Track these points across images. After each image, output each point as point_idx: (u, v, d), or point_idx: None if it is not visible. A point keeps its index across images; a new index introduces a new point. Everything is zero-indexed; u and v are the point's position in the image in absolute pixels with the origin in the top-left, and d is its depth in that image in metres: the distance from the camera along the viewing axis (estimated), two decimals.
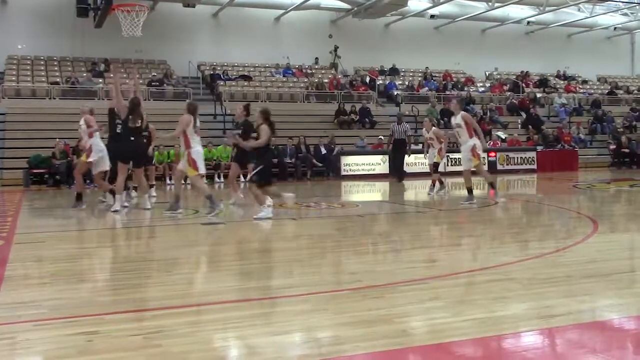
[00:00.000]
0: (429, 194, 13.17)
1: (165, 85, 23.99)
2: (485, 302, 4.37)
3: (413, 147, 21.01)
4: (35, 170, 17.84)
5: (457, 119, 11.01)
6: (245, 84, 25.67)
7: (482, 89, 29.50)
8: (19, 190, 16.44)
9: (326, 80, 26.69)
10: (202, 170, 9.92)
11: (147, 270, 5.75)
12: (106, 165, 10.84)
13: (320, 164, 20.43)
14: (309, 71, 27.95)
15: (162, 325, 3.78)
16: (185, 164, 9.75)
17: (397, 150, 17.73)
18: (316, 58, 28.87)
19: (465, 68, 30.61)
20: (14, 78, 23.25)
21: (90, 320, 3.92)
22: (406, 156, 18.15)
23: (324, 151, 20.57)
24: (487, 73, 31.48)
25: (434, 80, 28.49)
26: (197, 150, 9.80)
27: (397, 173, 18.06)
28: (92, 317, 3.98)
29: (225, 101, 23.38)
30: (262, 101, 24.69)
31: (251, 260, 6.41)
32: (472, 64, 30.50)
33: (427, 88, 27.68)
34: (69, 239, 8.29)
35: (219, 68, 26.22)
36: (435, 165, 13.45)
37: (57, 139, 18.28)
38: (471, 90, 28.72)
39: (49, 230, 8.75)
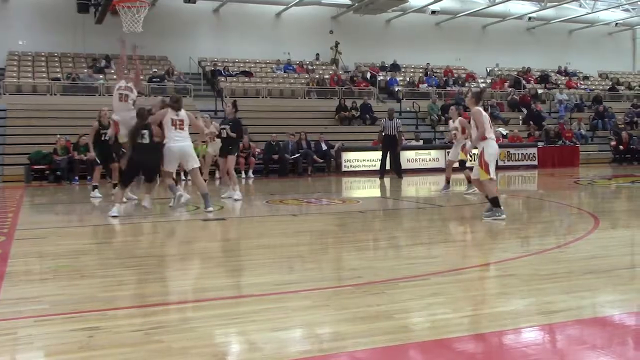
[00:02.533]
0: (464, 194, 12.14)
1: (166, 81, 23.98)
2: (486, 298, 4.38)
3: (408, 143, 21.10)
4: (36, 166, 17.84)
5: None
6: (246, 80, 25.66)
7: (483, 84, 29.47)
8: (20, 186, 16.43)
9: (327, 76, 26.66)
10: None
11: (148, 266, 5.76)
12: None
13: (321, 160, 20.43)
14: (309, 67, 27.93)
15: (163, 321, 3.78)
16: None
17: (388, 147, 17.62)
18: (317, 54, 28.84)
19: (466, 64, 30.57)
20: (14, 74, 23.24)
21: (91, 316, 3.92)
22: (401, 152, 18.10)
23: (324, 147, 20.56)
24: (488, 69, 31.45)
25: (435, 77, 28.46)
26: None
27: (383, 170, 17.85)
28: (93, 313, 3.99)
29: (226, 97, 23.37)
30: (262, 97, 24.71)
31: (252, 256, 6.41)
32: (473, 60, 30.48)
33: (427, 84, 27.65)
34: (70, 235, 8.29)
35: (219, 64, 26.21)
36: (461, 163, 12.52)
37: (58, 135, 18.27)
38: (472, 86, 28.69)
39: (50, 226, 8.75)
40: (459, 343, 3.46)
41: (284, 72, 27.07)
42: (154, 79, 23.75)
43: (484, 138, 8.66)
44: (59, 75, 23.55)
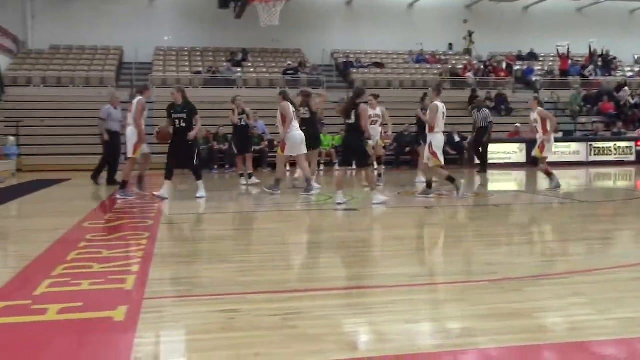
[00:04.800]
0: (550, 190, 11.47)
1: (299, 73, 24.51)
2: (634, 300, 4.11)
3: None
4: None
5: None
6: (378, 71, 25.67)
7: (631, 73, 27.57)
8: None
9: (460, 67, 26.10)
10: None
11: (282, 253, 5.93)
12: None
13: (454, 152, 20.05)
14: (442, 57, 27.46)
15: (299, 307, 3.88)
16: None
17: (479, 139, 17.13)
18: (450, 44, 28.30)
19: (612, 51, 28.71)
20: (161, 68, 24.71)
21: (231, 299, 4.10)
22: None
23: (457, 139, 20.16)
24: (635, 56, 29.35)
25: (577, 65, 26.99)
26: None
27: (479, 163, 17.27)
28: (233, 296, 4.17)
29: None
30: (394, 88, 24.61)
31: (384, 247, 6.42)
32: (619, 46, 28.55)
33: (569, 73, 26.28)
34: (211, 220, 8.72)
35: (352, 56, 26.40)
36: (534, 160, 11.85)
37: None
38: (618, 75, 26.94)
39: (192, 212, 9.25)
40: (601, 347, 3.28)
41: (416, 63, 26.81)
42: (288, 71, 24.33)
43: (432, 130, 9.97)
44: (200, 69, 24.75)
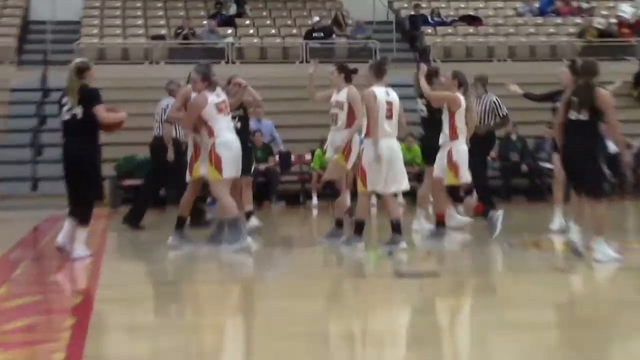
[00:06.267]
0: None
1: (334, 36, 24.51)
2: None
3: None
4: (128, 182, 18.46)
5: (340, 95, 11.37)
6: (471, 30, 25.66)
7: None
8: (103, 213, 17.14)
9: (614, 21, 26.00)
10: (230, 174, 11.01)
11: (308, 352, 5.82)
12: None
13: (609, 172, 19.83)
14: (584, 5, 27.32)
15: None
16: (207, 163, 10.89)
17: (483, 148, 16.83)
18: None
19: None
20: (95, 31, 24.93)
21: None
22: None
23: (612, 148, 19.88)
24: None
25: None
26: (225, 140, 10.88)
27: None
28: None
29: (434, 61, 23.33)
30: (499, 60, 24.53)
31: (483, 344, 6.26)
32: None
33: None
34: (184, 297, 8.62)
35: (424, 6, 26.42)
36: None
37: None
38: None
39: (151, 281, 9.18)
40: None
41: (540, 15, 26.76)
42: (315, 34, 24.32)
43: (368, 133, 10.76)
44: (163, 32, 24.93)
